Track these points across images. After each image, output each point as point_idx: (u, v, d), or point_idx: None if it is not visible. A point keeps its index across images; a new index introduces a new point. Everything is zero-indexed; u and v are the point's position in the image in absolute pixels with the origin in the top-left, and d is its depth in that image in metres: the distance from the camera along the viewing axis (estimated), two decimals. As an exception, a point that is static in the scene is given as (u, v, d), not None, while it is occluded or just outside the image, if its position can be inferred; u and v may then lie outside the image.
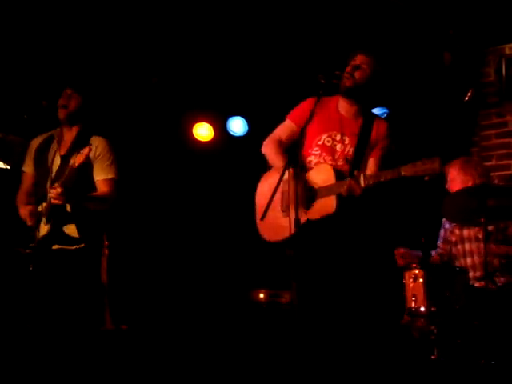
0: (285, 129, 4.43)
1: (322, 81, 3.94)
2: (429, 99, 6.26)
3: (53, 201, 4.29)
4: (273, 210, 4.01)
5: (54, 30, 5.57)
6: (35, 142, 4.71)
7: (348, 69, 4.23)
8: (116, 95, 6.20)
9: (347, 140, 4.23)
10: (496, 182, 5.88)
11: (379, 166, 4.21)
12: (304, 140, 4.24)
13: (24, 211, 4.58)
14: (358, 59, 4.25)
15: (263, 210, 3.81)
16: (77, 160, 4.26)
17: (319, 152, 4.25)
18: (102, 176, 4.51)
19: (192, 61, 6.38)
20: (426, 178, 3.77)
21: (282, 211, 4.18)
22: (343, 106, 4.31)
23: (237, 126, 7.04)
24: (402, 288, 4.69)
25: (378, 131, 4.25)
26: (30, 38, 5.60)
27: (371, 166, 4.22)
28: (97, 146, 4.52)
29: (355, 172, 4.03)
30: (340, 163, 4.19)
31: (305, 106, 4.32)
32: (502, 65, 6.10)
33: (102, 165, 4.52)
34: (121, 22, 5.64)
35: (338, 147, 4.23)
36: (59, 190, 4.25)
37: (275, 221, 4.16)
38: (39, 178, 4.61)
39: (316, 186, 4.10)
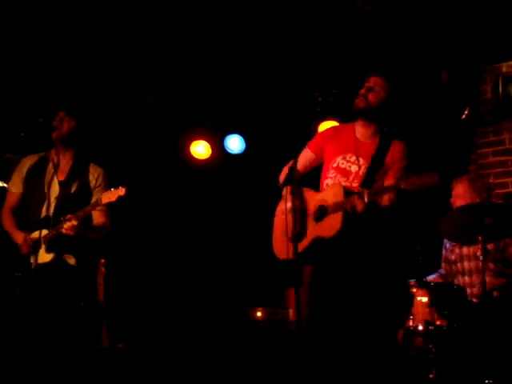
0: (302, 156, 4.43)
1: (319, 99, 3.97)
2: (426, 117, 6.27)
3: (65, 232, 4.30)
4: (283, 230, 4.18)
5: (50, 48, 5.60)
6: (27, 162, 4.70)
7: (362, 91, 4.32)
8: (112, 114, 6.21)
9: (362, 161, 4.27)
10: (493, 200, 5.87)
11: None
12: (323, 165, 4.37)
13: (19, 237, 4.56)
14: (372, 81, 4.32)
15: (280, 228, 4.05)
16: (105, 198, 4.29)
17: (334, 174, 4.31)
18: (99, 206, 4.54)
19: (189, 79, 6.40)
20: (424, 192, 3.80)
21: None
22: (359, 129, 4.37)
23: (234, 143, 7.05)
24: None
25: (394, 153, 4.26)
26: (27, 56, 5.62)
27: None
28: (98, 176, 4.63)
29: (359, 188, 4.09)
30: (355, 184, 4.22)
31: (323, 134, 4.47)
32: (498, 83, 6.11)
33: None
34: (117, 38, 5.67)
35: (353, 168, 4.27)
36: (75, 223, 4.29)
37: (284, 240, 4.21)
38: (30, 201, 4.61)
39: (326, 204, 4.16)
